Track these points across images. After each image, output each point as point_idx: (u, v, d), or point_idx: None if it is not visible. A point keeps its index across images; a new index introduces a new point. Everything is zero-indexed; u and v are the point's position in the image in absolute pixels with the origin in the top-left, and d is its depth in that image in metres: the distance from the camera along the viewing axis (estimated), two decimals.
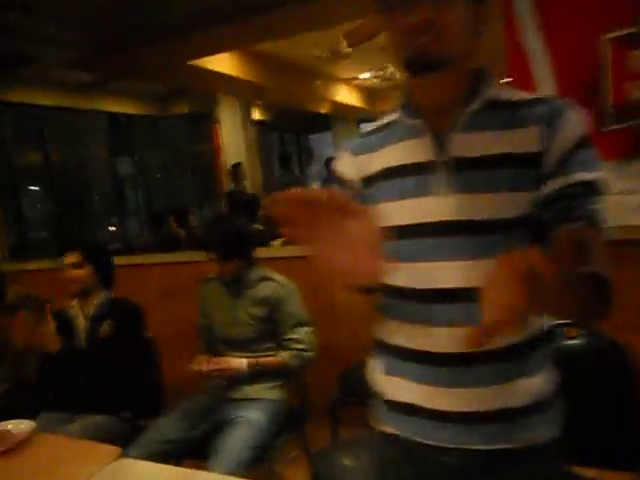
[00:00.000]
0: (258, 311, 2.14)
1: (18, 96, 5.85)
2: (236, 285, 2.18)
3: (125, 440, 2.00)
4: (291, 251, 2.99)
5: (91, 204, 7.02)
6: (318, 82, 7.81)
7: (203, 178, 8.18)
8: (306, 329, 2.16)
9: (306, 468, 2.27)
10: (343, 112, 10.12)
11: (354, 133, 11.27)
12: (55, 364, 2.12)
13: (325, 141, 11.72)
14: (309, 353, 2.14)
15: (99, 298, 2.26)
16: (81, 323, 2.24)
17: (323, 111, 9.69)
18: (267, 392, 2.11)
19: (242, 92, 6.88)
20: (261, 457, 1.95)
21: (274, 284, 2.15)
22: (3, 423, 1.68)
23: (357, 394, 2.51)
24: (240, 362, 2.06)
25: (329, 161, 7.75)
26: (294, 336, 2.13)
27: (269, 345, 2.17)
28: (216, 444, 1.95)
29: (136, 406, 2.22)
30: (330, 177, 1.15)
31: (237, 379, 2.08)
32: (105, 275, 2.30)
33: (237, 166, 6.59)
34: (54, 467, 1.41)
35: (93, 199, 7.06)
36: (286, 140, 11.05)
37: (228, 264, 2.10)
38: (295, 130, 11.31)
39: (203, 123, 8.42)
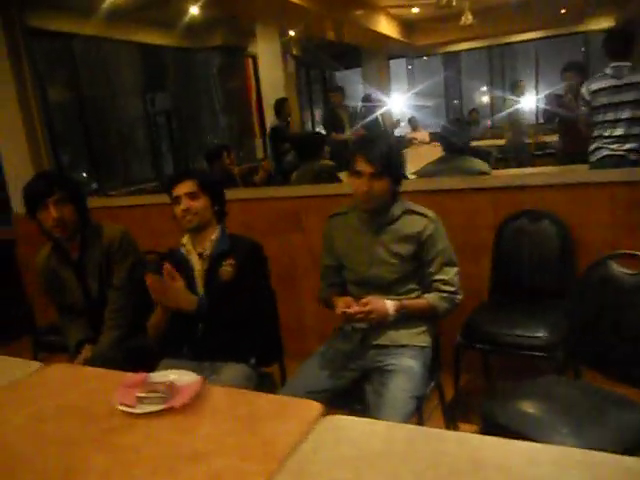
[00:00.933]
0: (403, 249, 1.91)
1: (48, 24, 5.44)
2: (376, 219, 1.94)
3: (256, 390, 1.83)
4: None
5: (125, 142, 6.71)
6: (359, 12, 7.33)
7: (238, 114, 7.82)
8: (455, 269, 1.93)
9: (442, 416, 2.13)
10: (377, 45, 9.59)
11: (384, 70, 10.77)
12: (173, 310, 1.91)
13: (352, 79, 11.20)
14: (458, 296, 1.92)
15: (214, 234, 2.02)
16: (197, 264, 2.01)
17: (358, 43, 9.18)
18: (416, 338, 1.91)
19: (281, 15, 6.41)
20: (419, 408, 1.78)
21: (423, 218, 1.91)
22: (161, 373, 1.48)
23: (480, 340, 2.35)
24: (387, 305, 1.84)
25: (367, 99, 7.37)
26: (443, 277, 1.91)
27: (411, 287, 1.95)
28: (369, 394, 1.77)
29: (260, 353, 2.02)
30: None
31: (382, 323, 1.87)
32: (220, 208, 2.06)
33: (282, 101, 6.23)
34: (254, 425, 1.21)
35: (127, 137, 6.74)
36: (312, 77, 10.57)
37: (379, 181, 1.83)
38: (323, 66, 10.80)
39: (237, 57, 7.99)
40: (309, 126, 9.55)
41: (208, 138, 7.50)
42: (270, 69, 6.98)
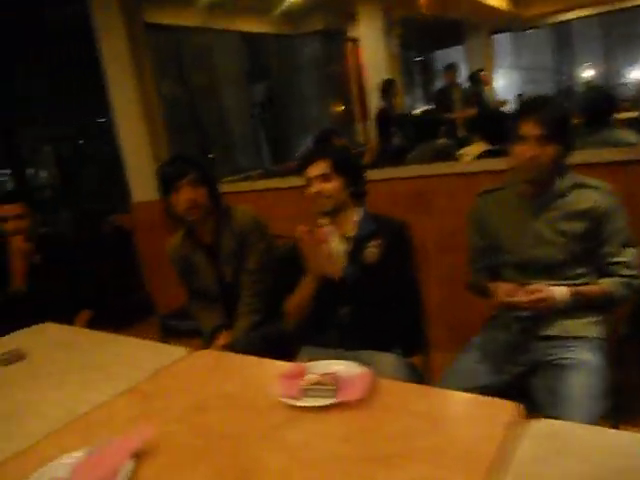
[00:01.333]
0: (574, 226, 1.66)
1: (157, 17, 5.55)
2: (541, 193, 1.71)
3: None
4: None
5: (229, 131, 6.77)
6: None
7: (338, 99, 7.69)
8: (634, 250, 1.66)
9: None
10: (481, 19, 9.08)
11: (488, 46, 10.20)
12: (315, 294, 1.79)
13: (453, 57, 10.70)
14: (638, 280, 1.65)
15: (356, 215, 1.87)
16: (338, 246, 1.87)
17: (462, 17, 8.72)
18: (592, 329, 1.66)
19: None
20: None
21: (596, 192, 1.65)
22: (321, 363, 1.36)
23: None
24: (561, 291, 1.62)
25: (473, 77, 6.96)
26: (622, 259, 1.65)
27: (580, 270, 1.70)
28: (540, 391, 1.56)
29: (406, 342, 1.86)
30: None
31: (552, 312, 1.65)
32: (358, 189, 1.91)
33: (389, 83, 6.02)
34: (442, 426, 1.06)
35: (231, 126, 6.80)
36: (411, 57, 10.22)
37: (547, 146, 1.60)
38: (420, 47, 10.42)
39: (337, 41, 7.86)
40: (413, 107, 9.24)
41: (309, 124, 7.43)
42: (373, 51, 6.79)
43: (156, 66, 3.98)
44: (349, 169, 1.88)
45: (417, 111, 7.39)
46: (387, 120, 5.76)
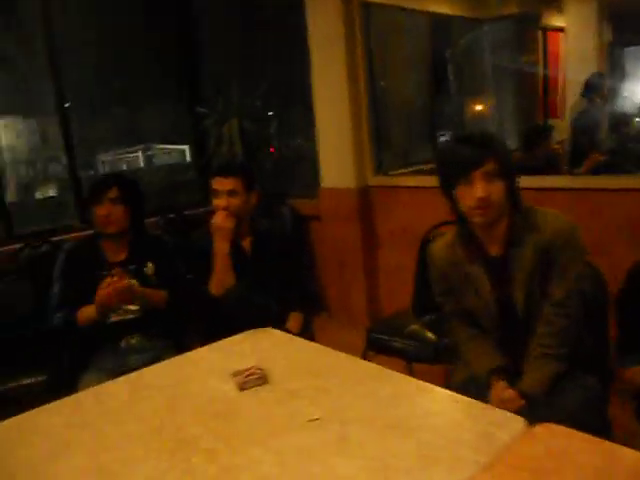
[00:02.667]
0: None
1: None
2: None
3: None
4: None
5: (407, 119, 6.20)
6: None
7: (522, 92, 6.86)
8: None
9: None
10: None
11: None
12: None
13: None
14: None
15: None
16: None
17: None
18: None
19: None
20: None
21: None
22: None
23: None
24: None
25: None
26: None
27: None
28: None
29: None
30: None
31: None
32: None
33: (598, 77, 5.12)
34: None
35: (409, 113, 6.23)
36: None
37: None
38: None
39: (529, 28, 7.01)
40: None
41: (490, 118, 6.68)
42: (579, 40, 5.89)
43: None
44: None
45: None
46: (591, 120, 4.90)
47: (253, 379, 1.40)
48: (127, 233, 2.15)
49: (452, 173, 1.57)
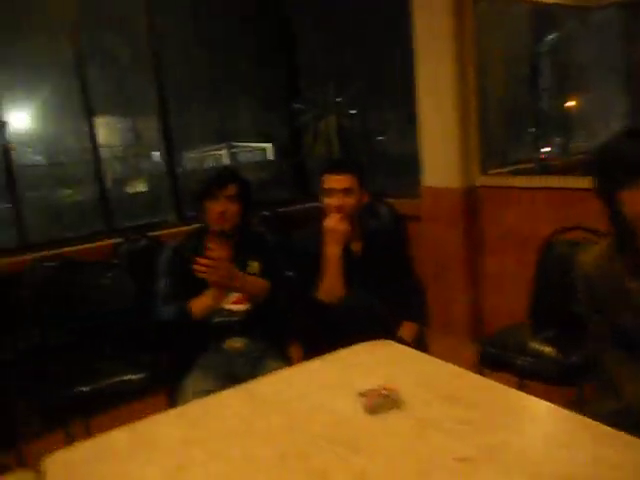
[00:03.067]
0: None
1: None
2: None
3: None
4: None
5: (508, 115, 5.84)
6: None
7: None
8: None
9: None
10: None
11: None
12: None
13: None
14: None
15: None
16: None
17: None
18: None
19: None
20: None
21: None
22: None
23: None
24: None
25: None
26: None
27: None
28: None
29: None
30: None
31: None
32: None
33: None
34: None
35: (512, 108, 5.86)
36: None
37: None
38: None
39: None
40: None
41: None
42: None
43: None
44: None
45: None
46: None
47: (383, 402, 1.24)
48: (234, 231, 2.05)
49: (618, 174, 1.33)
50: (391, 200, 3.83)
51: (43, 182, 3.98)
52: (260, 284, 2.01)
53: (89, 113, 3.65)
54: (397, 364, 1.49)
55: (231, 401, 1.40)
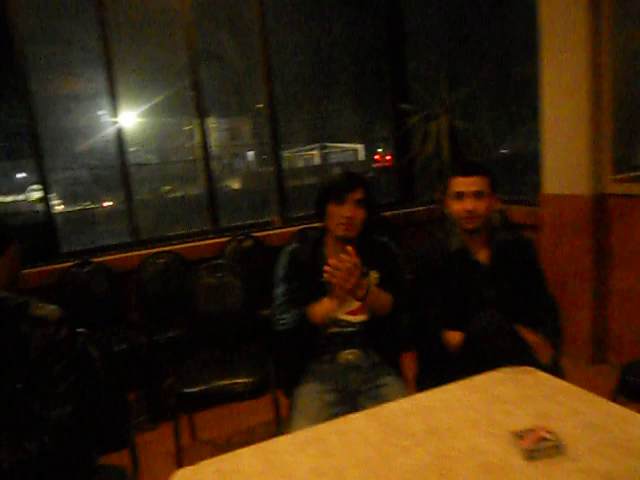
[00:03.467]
0: None
1: None
2: None
3: None
4: None
5: None
6: None
7: None
8: None
9: None
10: None
11: None
12: None
13: None
14: None
15: None
16: None
17: None
18: None
19: None
20: None
21: None
22: None
23: None
24: None
25: None
26: None
27: None
28: None
29: None
30: None
31: None
32: None
33: None
34: None
35: None
36: None
37: None
38: None
39: None
40: None
41: None
42: None
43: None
44: None
45: None
46: None
47: (544, 447, 1.08)
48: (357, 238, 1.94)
49: None
50: (505, 206, 3.59)
51: (153, 180, 4.10)
52: (384, 298, 1.89)
53: (201, 113, 3.70)
54: (549, 398, 1.31)
55: (361, 427, 1.28)
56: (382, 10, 4.27)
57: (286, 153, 4.20)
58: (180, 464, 2.41)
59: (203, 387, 2.36)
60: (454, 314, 1.85)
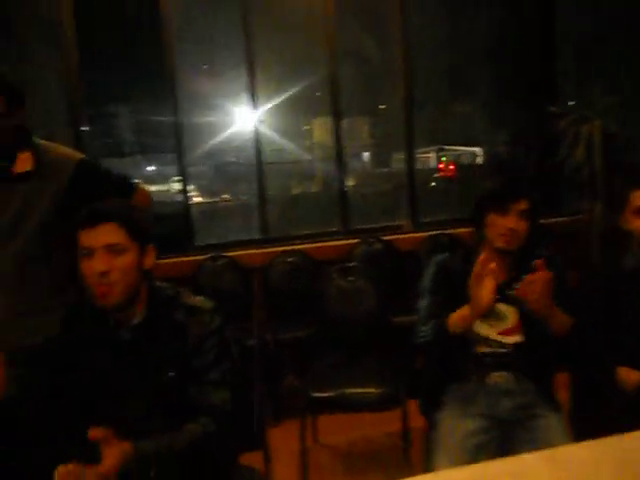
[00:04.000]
0: None
1: None
2: None
3: None
4: None
5: None
6: None
7: None
8: None
9: None
10: None
11: None
12: None
13: None
14: None
15: None
16: None
17: None
18: None
19: None
20: None
21: None
22: None
23: None
24: None
25: None
26: None
27: None
28: None
29: None
30: None
31: None
32: None
33: None
34: None
35: None
36: None
37: None
38: None
39: None
40: None
41: None
42: None
43: None
44: None
45: None
46: None
47: None
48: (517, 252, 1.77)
49: None
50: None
51: (278, 177, 4.14)
52: (563, 319, 1.70)
53: (337, 113, 3.67)
54: None
55: (539, 472, 1.12)
56: (532, 5, 3.97)
57: (400, 155, 4.09)
58: (303, 466, 2.37)
59: (332, 393, 2.31)
60: (632, 347, 1.62)
